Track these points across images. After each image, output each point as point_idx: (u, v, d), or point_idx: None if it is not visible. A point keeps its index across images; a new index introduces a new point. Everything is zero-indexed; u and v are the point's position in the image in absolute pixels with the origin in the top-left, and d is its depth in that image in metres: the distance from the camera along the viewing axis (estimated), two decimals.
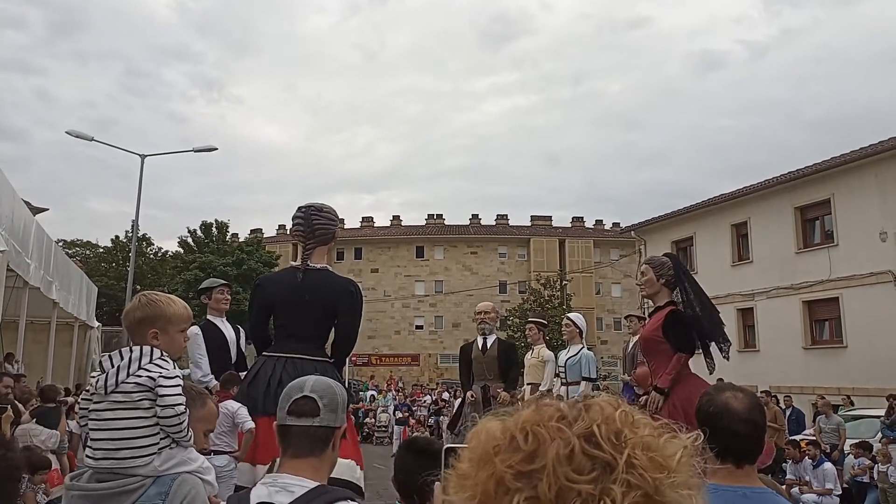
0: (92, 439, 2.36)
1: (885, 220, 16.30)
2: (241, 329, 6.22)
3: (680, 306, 4.85)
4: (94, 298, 14.71)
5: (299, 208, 4.17)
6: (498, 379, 6.94)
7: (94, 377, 2.45)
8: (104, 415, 2.34)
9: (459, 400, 8.98)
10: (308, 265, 4.03)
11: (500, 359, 7.02)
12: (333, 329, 4.07)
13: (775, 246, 19.28)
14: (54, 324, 10.82)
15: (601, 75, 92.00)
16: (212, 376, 5.73)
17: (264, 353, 4.05)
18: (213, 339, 5.93)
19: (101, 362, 2.44)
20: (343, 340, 4.10)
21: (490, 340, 7.20)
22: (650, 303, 5.68)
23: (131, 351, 2.40)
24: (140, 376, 2.33)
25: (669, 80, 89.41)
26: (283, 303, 3.99)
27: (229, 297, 6.32)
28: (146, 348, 2.42)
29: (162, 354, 2.44)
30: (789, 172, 19.22)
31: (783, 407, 13.37)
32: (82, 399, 2.53)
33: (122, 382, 2.33)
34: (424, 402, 20.28)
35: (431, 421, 17.88)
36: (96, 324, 14.86)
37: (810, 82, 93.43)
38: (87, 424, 2.46)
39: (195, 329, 5.91)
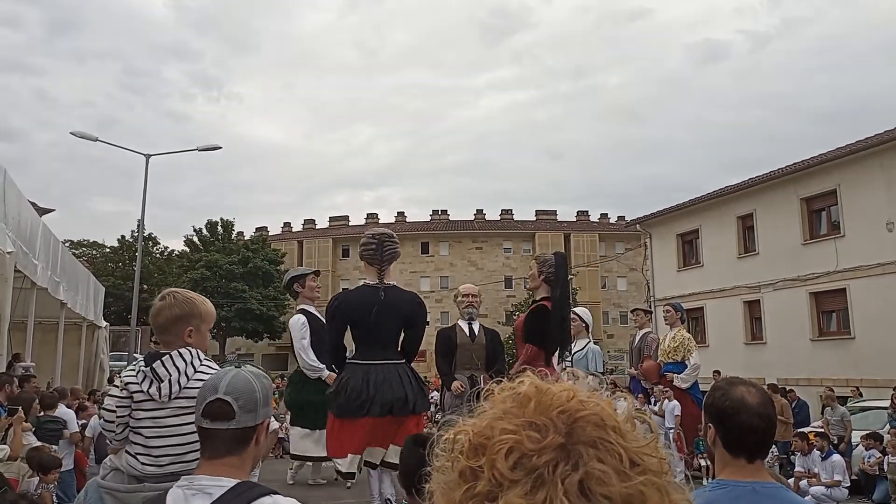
0: (151, 447, 2.35)
1: (891, 210, 16.22)
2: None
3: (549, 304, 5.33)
4: (102, 298, 14.78)
5: (373, 236, 4.90)
6: (484, 369, 6.33)
7: (133, 384, 2.40)
8: (167, 421, 2.35)
9: (439, 392, 8.52)
10: (386, 283, 4.81)
11: (489, 347, 6.44)
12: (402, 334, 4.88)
13: (782, 237, 19.21)
14: (62, 324, 10.88)
15: (601, 68, 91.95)
16: (322, 365, 6.03)
17: (350, 361, 4.80)
18: (316, 328, 6.13)
19: (152, 369, 2.39)
20: (414, 344, 4.93)
21: (476, 326, 6.56)
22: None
23: (182, 356, 2.40)
24: (202, 380, 2.29)
25: (670, 71, 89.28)
26: (367, 316, 4.69)
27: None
28: (193, 351, 2.44)
29: (206, 356, 2.47)
30: (794, 164, 19.13)
31: (789, 399, 13.34)
32: (118, 406, 2.44)
33: (185, 388, 2.35)
34: (431, 398, 20.33)
35: (438, 417, 17.93)
36: (104, 323, 14.91)
37: (813, 73, 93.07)
38: (124, 431, 2.42)
39: (301, 318, 6.23)
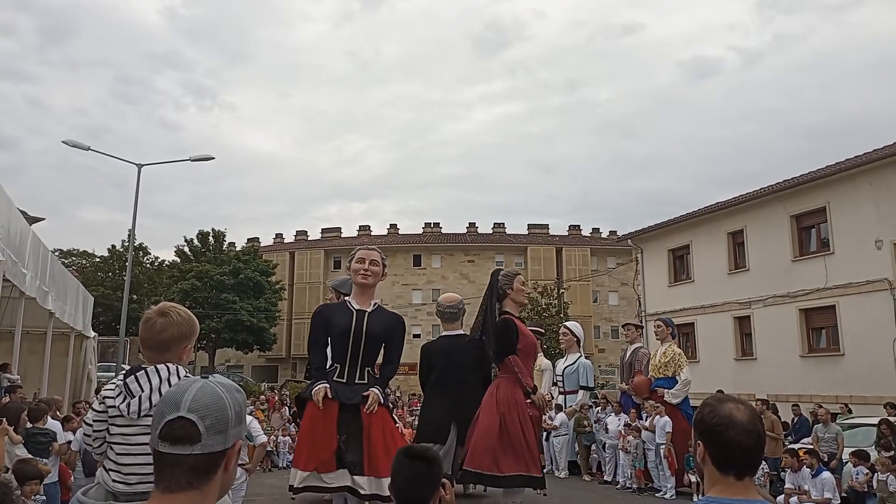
0: (121, 464, 2.25)
1: (880, 227, 16.36)
2: None
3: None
4: (91, 308, 14.66)
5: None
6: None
7: (109, 398, 2.34)
8: (136, 439, 2.24)
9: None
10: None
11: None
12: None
13: (771, 254, 19.33)
14: (50, 334, 10.78)
15: (594, 83, 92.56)
16: None
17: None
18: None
19: (125, 384, 2.30)
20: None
21: None
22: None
23: (158, 372, 2.30)
24: None
25: (663, 87, 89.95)
26: None
27: None
28: (172, 367, 2.33)
29: (187, 372, 2.35)
30: (784, 181, 19.30)
31: (793, 416, 13.42)
32: (95, 420, 2.39)
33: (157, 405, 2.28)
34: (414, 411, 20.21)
35: None
36: (92, 334, 14.79)
37: (804, 90, 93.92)
38: (101, 446, 2.36)
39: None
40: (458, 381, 7.49)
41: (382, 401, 4.75)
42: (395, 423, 5.98)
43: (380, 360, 5.11)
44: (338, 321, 4.83)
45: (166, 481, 1.29)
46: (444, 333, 8.47)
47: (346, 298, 5.05)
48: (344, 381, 4.75)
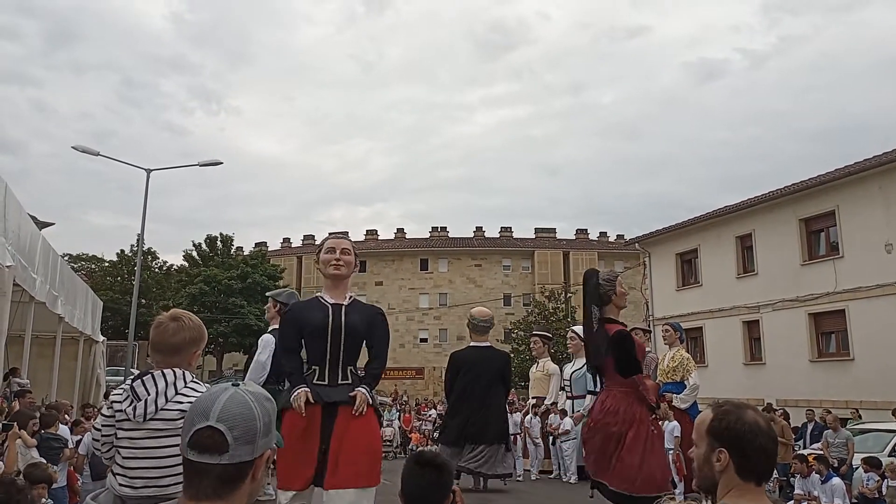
0: (127, 468, 2.27)
1: (889, 231, 16.26)
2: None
3: None
4: (100, 313, 14.74)
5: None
6: None
7: (116, 402, 2.36)
8: (143, 443, 2.26)
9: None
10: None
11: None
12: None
13: (780, 258, 19.24)
14: (59, 338, 10.84)
15: (599, 85, 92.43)
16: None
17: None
18: None
19: (132, 387, 2.32)
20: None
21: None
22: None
23: (165, 376, 2.32)
24: (181, 402, 2.25)
25: (668, 89, 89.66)
26: None
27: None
28: (178, 371, 2.35)
29: (193, 377, 2.39)
30: (793, 184, 19.22)
31: (805, 420, 13.36)
32: (104, 425, 2.41)
33: (162, 409, 2.26)
34: (429, 416, 20.19)
35: (436, 435, 17.79)
36: (101, 338, 14.86)
37: (809, 91, 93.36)
38: (110, 450, 2.37)
39: (270, 337, 6.22)
40: (483, 390, 8.07)
41: (371, 402, 4.22)
42: (381, 426, 5.40)
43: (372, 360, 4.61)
44: (311, 318, 4.27)
45: (193, 489, 1.30)
46: (472, 344, 8.84)
47: (318, 294, 4.50)
48: (325, 383, 4.18)
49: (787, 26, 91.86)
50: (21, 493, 3.30)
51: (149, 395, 2.28)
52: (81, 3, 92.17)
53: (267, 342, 6.38)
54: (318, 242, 4.86)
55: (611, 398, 5.25)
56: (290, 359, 4.35)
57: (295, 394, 4.12)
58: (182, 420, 1.88)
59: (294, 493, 4.03)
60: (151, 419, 2.26)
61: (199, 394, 2.12)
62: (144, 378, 2.33)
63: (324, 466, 3.99)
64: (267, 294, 6.33)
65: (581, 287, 5.67)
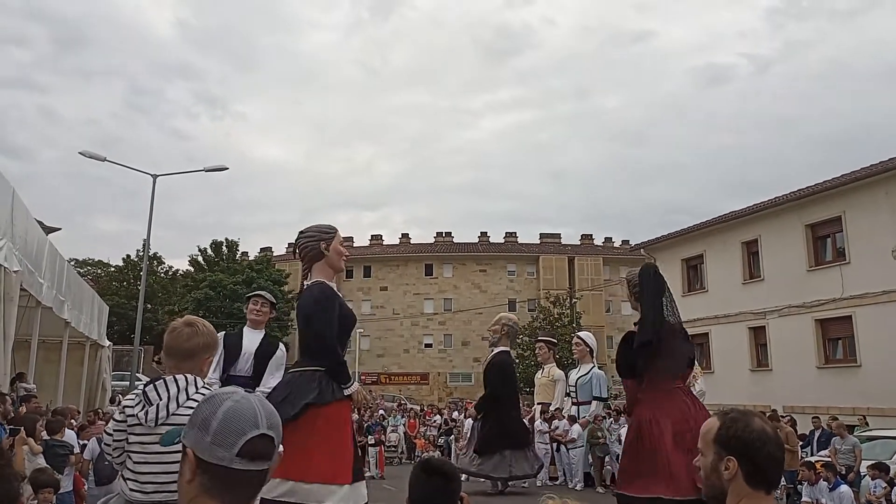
0: (138, 473, 2.28)
1: None
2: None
3: None
4: (106, 317, 14.78)
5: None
6: None
7: (129, 407, 2.37)
8: (154, 448, 2.27)
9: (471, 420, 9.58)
10: (304, 285, 4.54)
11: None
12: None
13: (787, 264, 19.17)
14: (66, 343, 10.87)
15: (604, 90, 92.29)
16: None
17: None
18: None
19: (144, 392, 2.34)
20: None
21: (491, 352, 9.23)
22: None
23: (177, 381, 2.34)
24: (192, 407, 2.21)
25: (673, 95, 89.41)
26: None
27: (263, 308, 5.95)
28: (190, 377, 2.37)
29: (204, 383, 2.41)
30: (799, 190, 19.17)
31: (812, 427, 13.25)
32: (115, 430, 2.43)
33: (173, 414, 2.27)
34: (434, 422, 20.14)
35: (441, 441, 17.73)
36: (107, 343, 14.90)
37: (815, 96, 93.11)
38: (121, 455, 2.39)
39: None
40: (517, 393, 9.26)
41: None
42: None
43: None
44: (346, 310, 4.27)
45: (232, 496, 1.25)
46: (506, 349, 9.38)
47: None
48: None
49: (792, 31, 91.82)
50: (3, 456, 3.34)
51: (160, 399, 2.30)
52: (89, 10, 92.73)
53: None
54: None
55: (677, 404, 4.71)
56: (340, 352, 4.32)
57: (355, 387, 4.21)
58: None
59: (347, 486, 3.90)
60: (162, 424, 2.28)
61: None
62: (157, 383, 2.35)
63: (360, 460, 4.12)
64: (265, 294, 6.09)
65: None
